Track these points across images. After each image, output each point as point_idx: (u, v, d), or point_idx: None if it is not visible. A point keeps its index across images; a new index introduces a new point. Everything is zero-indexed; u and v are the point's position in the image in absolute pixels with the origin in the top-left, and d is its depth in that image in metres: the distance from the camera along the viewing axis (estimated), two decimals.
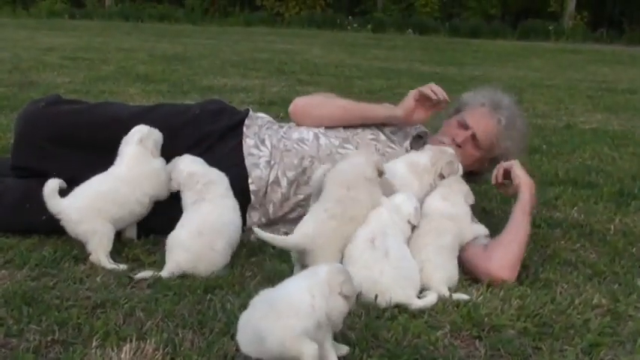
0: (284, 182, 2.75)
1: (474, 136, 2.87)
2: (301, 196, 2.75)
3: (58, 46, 11.23)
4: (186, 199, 2.52)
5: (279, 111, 5.68)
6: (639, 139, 5.57)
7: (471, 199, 2.60)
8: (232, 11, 26.35)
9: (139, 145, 2.58)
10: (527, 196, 2.64)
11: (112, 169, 2.57)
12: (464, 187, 2.61)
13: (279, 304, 1.78)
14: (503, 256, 2.46)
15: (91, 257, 2.40)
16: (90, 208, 2.43)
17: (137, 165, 2.56)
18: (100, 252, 2.39)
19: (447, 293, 2.29)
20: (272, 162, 2.77)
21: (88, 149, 2.72)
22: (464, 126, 2.89)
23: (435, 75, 9.66)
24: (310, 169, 2.76)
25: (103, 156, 2.65)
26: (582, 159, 4.64)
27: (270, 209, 2.75)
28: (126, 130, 2.69)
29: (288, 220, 2.77)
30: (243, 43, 14.50)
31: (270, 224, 2.77)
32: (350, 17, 24.68)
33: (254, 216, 2.75)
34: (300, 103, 3.08)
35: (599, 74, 11.47)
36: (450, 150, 2.75)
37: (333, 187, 2.42)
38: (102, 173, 2.55)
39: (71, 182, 2.52)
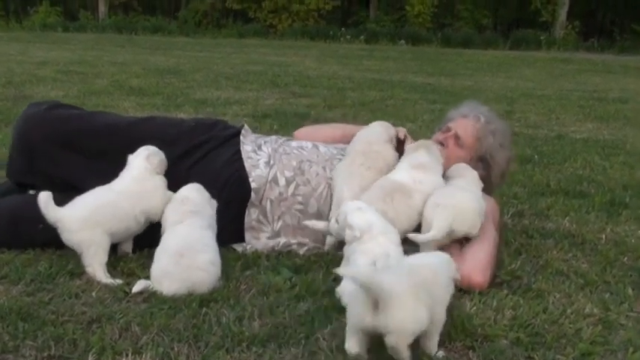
0: (282, 181, 2.79)
1: (456, 135, 2.98)
2: (299, 198, 2.79)
3: (51, 59, 11.25)
4: (168, 217, 2.53)
5: (273, 123, 5.72)
6: (630, 148, 5.61)
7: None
8: (225, 23, 26.44)
9: (145, 161, 2.63)
10: (489, 206, 2.77)
11: (115, 183, 2.60)
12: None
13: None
14: (474, 257, 2.51)
15: (87, 270, 2.40)
16: (89, 219, 2.43)
17: (141, 180, 2.59)
18: (96, 264, 2.39)
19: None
20: (271, 162, 2.83)
21: (85, 154, 2.77)
22: (446, 130, 3.04)
23: (428, 86, 9.71)
24: (309, 172, 2.83)
25: (98, 161, 2.74)
26: (574, 169, 4.68)
27: (268, 206, 2.78)
28: (123, 138, 2.78)
29: (286, 226, 2.79)
30: (237, 56, 14.55)
31: (272, 234, 2.80)
32: (343, 29, 24.79)
33: (252, 212, 2.79)
34: (302, 130, 3.41)
35: (591, 84, 11.54)
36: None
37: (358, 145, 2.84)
38: (105, 185, 2.58)
39: (65, 185, 2.59)
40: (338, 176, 2.78)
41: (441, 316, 1.99)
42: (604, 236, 3.19)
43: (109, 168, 2.70)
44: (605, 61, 18.06)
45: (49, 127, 2.77)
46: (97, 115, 3.08)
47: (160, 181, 2.65)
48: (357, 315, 1.88)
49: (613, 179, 4.38)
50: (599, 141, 5.90)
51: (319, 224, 2.67)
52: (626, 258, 2.91)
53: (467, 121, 3.03)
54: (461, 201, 2.59)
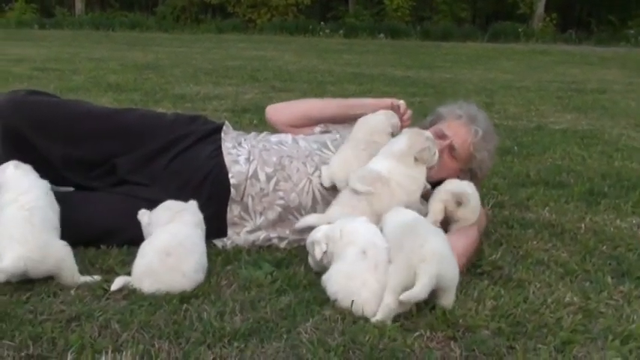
0: (262, 177, 2.76)
1: (451, 146, 2.91)
2: (281, 193, 2.76)
3: (27, 56, 11.13)
4: (157, 221, 2.48)
5: (253, 118, 5.71)
6: (608, 138, 5.66)
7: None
8: (204, 18, 26.29)
9: (19, 168, 2.51)
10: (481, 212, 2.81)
11: (14, 198, 2.38)
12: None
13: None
14: (456, 242, 2.49)
15: (63, 282, 2.29)
16: (49, 238, 2.32)
17: (35, 179, 2.50)
18: (69, 278, 2.31)
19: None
20: (251, 158, 2.81)
21: (62, 140, 2.75)
22: (441, 136, 2.92)
23: (407, 79, 9.72)
24: (289, 167, 2.80)
25: (76, 149, 2.74)
26: (553, 159, 4.71)
27: (249, 202, 2.76)
28: (101, 127, 2.80)
29: (269, 221, 2.77)
30: (216, 51, 14.48)
31: (253, 228, 2.77)
32: (322, 23, 24.74)
33: (234, 209, 2.76)
34: (274, 104, 3.38)
35: (569, 75, 11.63)
36: (428, 133, 2.75)
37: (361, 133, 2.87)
38: (10, 208, 2.34)
39: (47, 170, 2.58)
40: (340, 153, 2.83)
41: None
42: (583, 225, 3.21)
43: (85, 156, 2.74)
44: (583, 52, 18.22)
45: (28, 112, 2.75)
46: (76, 103, 3.09)
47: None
48: None
49: (592, 169, 4.41)
50: (577, 131, 5.94)
51: (310, 219, 2.65)
52: (605, 247, 2.93)
53: (464, 131, 2.94)
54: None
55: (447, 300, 2.19)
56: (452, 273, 2.19)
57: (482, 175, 3.04)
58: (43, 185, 2.50)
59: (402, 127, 2.93)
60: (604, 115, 6.99)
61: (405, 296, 2.06)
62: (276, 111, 3.28)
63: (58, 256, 2.29)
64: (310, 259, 2.49)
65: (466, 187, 2.68)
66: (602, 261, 2.76)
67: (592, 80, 10.74)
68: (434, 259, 2.10)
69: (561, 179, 4.11)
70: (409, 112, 3.01)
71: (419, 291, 2.06)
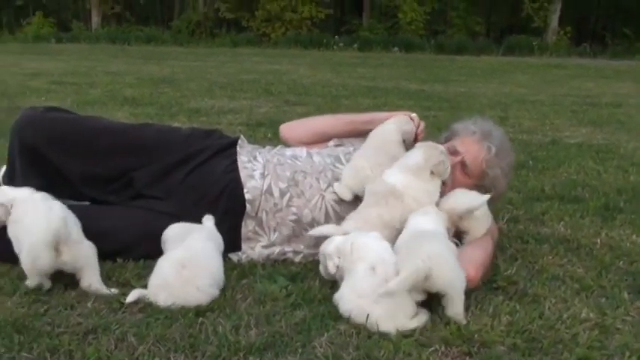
0: (276, 192, 2.78)
1: (463, 163, 2.90)
2: (294, 209, 2.78)
3: (44, 70, 11.25)
4: (169, 238, 2.55)
5: (267, 132, 5.73)
6: (624, 152, 5.63)
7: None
8: (219, 33, 26.49)
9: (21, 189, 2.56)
10: (492, 225, 2.83)
11: (26, 211, 2.42)
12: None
13: None
14: (472, 254, 2.50)
15: (82, 285, 2.35)
16: (81, 235, 2.42)
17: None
18: (94, 277, 2.37)
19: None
20: (265, 172, 2.82)
21: (80, 157, 2.77)
22: (453, 152, 2.90)
23: (422, 93, 9.72)
24: (303, 183, 2.81)
25: (93, 165, 2.77)
26: (568, 174, 4.69)
27: (264, 217, 2.77)
28: (118, 142, 2.83)
29: (283, 237, 2.79)
30: (230, 65, 14.57)
31: (268, 244, 2.79)
32: (336, 37, 24.85)
33: (249, 224, 2.77)
34: (288, 123, 3.41)
35: (584, 89, 11.59)
36: (442, 147, 2.74)
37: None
38: (35, 218, 2.38)
39: (64, 188, 2.68)
40: (350, 162, 2.86)
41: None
42: (599, 241, 3.20)
43: (103, 172, 2.76)
44: (598, 65, 18.15)
45: (45, 128, 2.78)
46: (94, 118, 3.12)
47: None
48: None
49: (607, 183, 4.39)
50: (592, 145, 5.92)
51: (325, 229, 2.65)
52: (621, 262, 2.91)
53: (476, 148, 2.92)
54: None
55: (454, 309, 2.20)
56: (449, 276, 2.20)
57: (497, 194, 2.95)
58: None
59: (416, 140, 2.93)
60: (619, 129, 6.96)
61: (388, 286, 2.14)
62: (290, 129, 3.31)
63: (85, 252, 2.37)
64: (321, 267, 2.51)
65: (468, 198, 2.72)
66: (618, 277, 2.75)
67: (607, 94, 10.69)
68: (425, 256, 2.16)
69: (576, 194, 4.09)
70: (422, 125, 3.01)
71: (398, 278, 2.14)
